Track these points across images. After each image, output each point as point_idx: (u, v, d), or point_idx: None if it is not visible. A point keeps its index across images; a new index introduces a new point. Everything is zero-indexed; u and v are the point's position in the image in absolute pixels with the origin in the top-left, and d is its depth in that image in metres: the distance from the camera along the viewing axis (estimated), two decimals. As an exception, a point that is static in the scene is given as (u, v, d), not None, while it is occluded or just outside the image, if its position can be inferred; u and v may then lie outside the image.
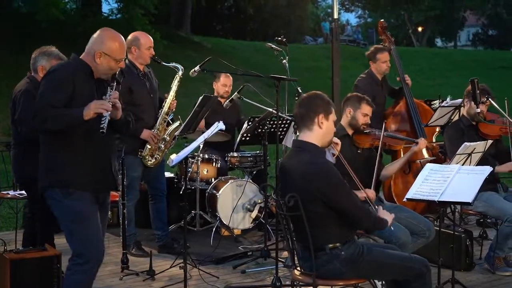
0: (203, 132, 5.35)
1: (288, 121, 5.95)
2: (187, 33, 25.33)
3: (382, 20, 7.50)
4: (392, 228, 4.03)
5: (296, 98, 5.98)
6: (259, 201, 6.23)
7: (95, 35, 3.83)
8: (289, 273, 4.85)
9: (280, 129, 5.94)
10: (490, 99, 5.44)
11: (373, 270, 3.67)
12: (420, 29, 45.26)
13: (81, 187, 3.72)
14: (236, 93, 6.02)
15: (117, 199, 5.81)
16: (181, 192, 6.31)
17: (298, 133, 3.83)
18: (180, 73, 5.71)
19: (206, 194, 6.45)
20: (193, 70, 5.31)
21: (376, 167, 4.77)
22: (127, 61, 5.61)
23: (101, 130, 3.59)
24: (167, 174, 6.72)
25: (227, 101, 6.20)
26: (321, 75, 21.61)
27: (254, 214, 6.33)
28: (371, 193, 4.54)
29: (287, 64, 6.18)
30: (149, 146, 5.61)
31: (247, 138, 6.21)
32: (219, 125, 5.12)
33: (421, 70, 27.17)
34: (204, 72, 5.44)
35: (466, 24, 50.78)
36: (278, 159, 5.73)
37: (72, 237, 3.78)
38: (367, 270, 3.65)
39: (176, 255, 5.33)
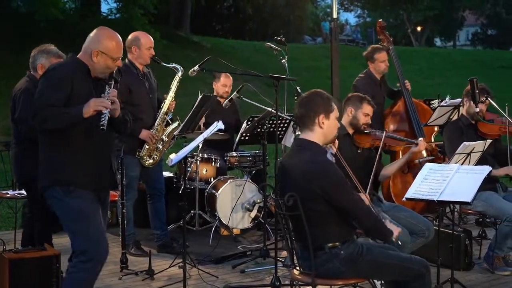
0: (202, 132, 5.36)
1: (287, 121, 5.96)
2: (187, 33, 25.33)
3: (381, 20, 7.50)
4: (400, 243, 3.97)
5: (296, 97, 5.98)
6: (258, 200, 6.23)
7: (91, 34, 3.84)
8: (288, 272, 4.84)
9: (279, 129, 5.95)
10: (489, 98, 5.44)
11: (373, 270, 3.67)
12: (419, 28, 45.29)
13: (82, 186, 3.72)
14: (235, 92, 6.02)
15: (116, 198, 5.81)
16: (180, 192, 6.30)
17: (298, 132, 3.83)
18: (180, 74, 5.71)
19: (205, 194, 6.45)
20: (192, 69, 5.31)
21: (374, 167, 4.77)
22: (126, 60, 5.62)
23: (101, 127, 3.60)
24: (166, 174, 6.72)
25: (226, 100, 6.20)
26: (320, 74, 21.62)
27: (253, 213, 6.33)
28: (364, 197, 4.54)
29: (286, 64, 6.19)
30: (147, 146, 5.61)
31: (246, 138, 6.21)
32: (218, 125, 5.12)
33: (420, 69, 27.18)
34: (204, 72, 5.45)
35: (465, 24, 50.84)
36: (277, 158, 5.75)
37: (75, 236, 3.76)
38: (366, 270, 3.64)
39: (175, 255, 5.33)
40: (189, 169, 6.30)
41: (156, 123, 5.64)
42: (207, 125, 6.11)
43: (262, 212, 6.09)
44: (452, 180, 4.23)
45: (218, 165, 6.54)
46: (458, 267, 5.23)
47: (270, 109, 5.61)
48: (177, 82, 5.71)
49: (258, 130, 5.90)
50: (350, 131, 4.95)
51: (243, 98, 6.10)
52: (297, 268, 3.73)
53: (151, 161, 5.66)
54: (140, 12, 18.33)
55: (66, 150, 3.71)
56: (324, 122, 3.63)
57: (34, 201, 4.98)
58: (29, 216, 5.18)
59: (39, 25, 16.76)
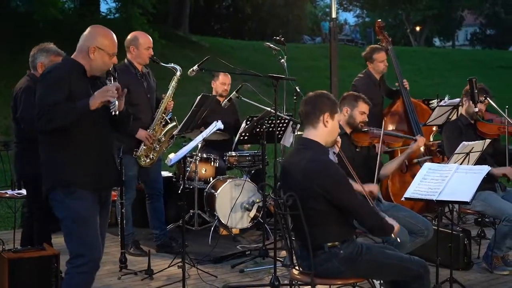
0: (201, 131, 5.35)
1: (287, 121, 5.96)
2: (185, 32, 25.33)
3: (380, 20, 7.52)
4: (399, 240, 3.99)
5: (295, 97, 6.00)
6: (258, 200, 6.23)
7: (85, 32, 3.86)
8: (288, 272, 4.85)
9: (278, 129, 5.95)
10: (488, 98, 5.44)
11: (372, 269, 3.67)
12: (418, 28, 45.30)
13: (83, 186, 3.72)
14: (234, 92, 6.02)
15: (115, 198, 5.80)
16: (179, 192, 6.30)
17: (300, 131, 3.83)
18: (178, 74, 5.71)
19: (205, 194, 6.45)
20: (191, 69, 5.31)
21: (378, 162, 4.78)
22: (125, 60, 5.62)
23: (113, 114, 3.64)
24: (165, 174, 6.72)
25: (226, 100, 6.20)
26: (319, 74, 21.62)
27: (253, 213, 6.33)
28: (374, 187, 4.56)
29: (285, 64, 6.19)
30: (144, 146, 5.61)
31: (246, 138, 6.21)
32: (218, 125, 5.11)
33: (419, 69, 27.19)
34: (202, 72, 5.44)
35: (464, 24, 50.82)
36: (276, 158, 5.75)
37: (71, 238, 3.75)
38: (365, 270, 3.64)
39: (175, 255, 5.34)
40: (188, 168, 6.30)
41: (153, 123, 5.64)
42: (206, 125, 6.11)
43: (261, 212, 6.09)
44: (451, 180, 4.23)
45: (217, 165, 6.55)
46: (457, 266, 5.23)
47: (269, 109, 5.61)
48: (176, 82, 5.71)
49: (257, 130, 5.90)
50: (348, 130, 4.96)
51: (242, 98, 6.10)
52: (296, 267, 3.73)
53: (148, 161, 5.66)
54: (138, 11, 18.32)
55: (66, 150, 3.71)
56: (329, 121, 3.65)
57: (33, 201, 4.97)
58: (28, 215, 5.18)
59: (38, 25, 16.73)
